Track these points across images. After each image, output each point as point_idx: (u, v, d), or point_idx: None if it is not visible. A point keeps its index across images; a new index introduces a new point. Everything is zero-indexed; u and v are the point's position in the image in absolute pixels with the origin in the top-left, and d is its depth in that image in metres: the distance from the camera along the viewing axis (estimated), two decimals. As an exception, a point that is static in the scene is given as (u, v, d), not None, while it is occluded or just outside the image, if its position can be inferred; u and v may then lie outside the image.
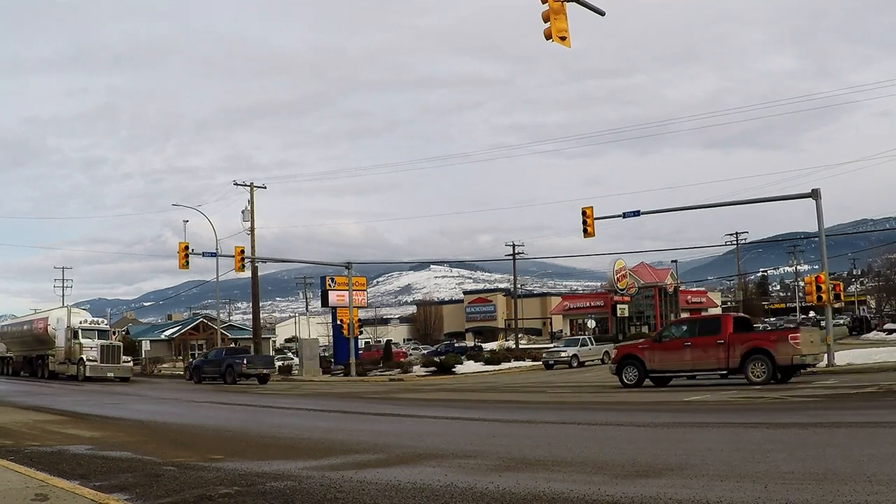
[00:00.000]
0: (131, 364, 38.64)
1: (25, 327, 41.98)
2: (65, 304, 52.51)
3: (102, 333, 37.77)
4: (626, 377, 20.82)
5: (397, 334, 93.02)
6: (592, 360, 40.15)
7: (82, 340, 35.53)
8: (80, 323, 37.13)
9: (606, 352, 40.48)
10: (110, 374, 34.94)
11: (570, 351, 39.63)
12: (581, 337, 45.69)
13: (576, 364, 38.26)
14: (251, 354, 38.46)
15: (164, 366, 57.70)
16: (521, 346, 60.55)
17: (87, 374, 34.22)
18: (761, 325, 70.51)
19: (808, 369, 20.13)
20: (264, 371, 34.57)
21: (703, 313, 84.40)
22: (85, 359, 34.80)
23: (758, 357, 18.64)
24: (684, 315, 79.27)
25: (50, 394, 22.83)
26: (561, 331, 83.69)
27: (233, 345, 51.71)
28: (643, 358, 20.60)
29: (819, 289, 25.54)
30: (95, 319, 40.31)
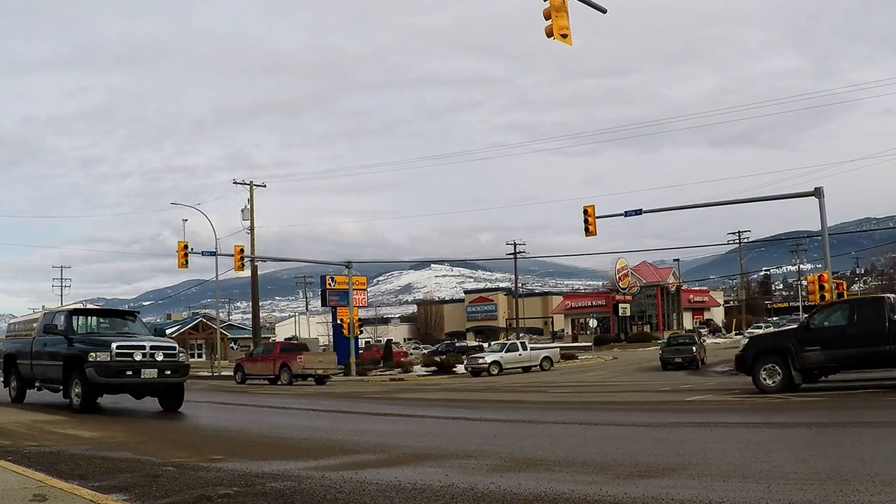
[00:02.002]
0: None
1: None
2: (76, 302, 51.97)
3: None
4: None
5: (398, 334, 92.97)
6: (517, 368, 36.86)
7: None
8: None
9: (547, 357, 38.61)
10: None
11: (490, 358, 36.56)
12: (514, 342, 42.46)
13: (496, 371, 35.30)
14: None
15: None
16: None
17: None
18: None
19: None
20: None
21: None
22: None
23: None
24: (686, 315, 79.37)
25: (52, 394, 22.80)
26: (562, 330, 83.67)
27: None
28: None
29: (822, 288, 25.48)
30: None
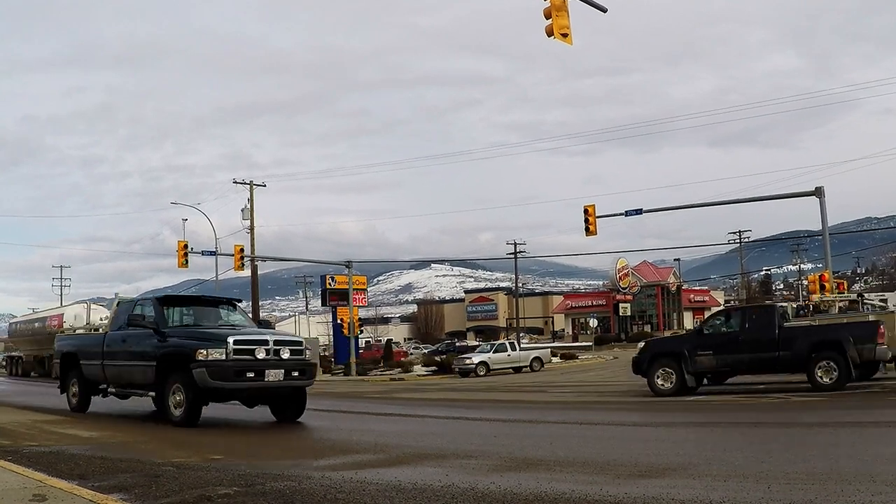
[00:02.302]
0: None
1: (37, 325, 39.83)
2: (82, 300, 51.00)
3: None
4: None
5: (398, 333, 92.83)
6: (506, 369, 36.55)
7: None
8: (102, 319, 35.25)
9: (537, 358, 38.15)
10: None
11: (478, 358, 36.34)
12: (503, 342, 41.83)
13: (483, 372, 35.02)
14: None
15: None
16: (522, 346, 60.46)
17: None
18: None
19: None
20: None
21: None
22: None
23: None
24: (687, 314, 79.31)
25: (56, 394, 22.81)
26: (563, 330, 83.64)
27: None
28: None
29: (823, 287, 25.46)
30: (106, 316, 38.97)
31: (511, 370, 36.71)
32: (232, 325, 12.60)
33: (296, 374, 11.60)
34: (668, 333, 69.47)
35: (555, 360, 43.78)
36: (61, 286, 70.88)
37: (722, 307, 23.26)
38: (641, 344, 18.28)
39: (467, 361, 36.09)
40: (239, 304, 14.04)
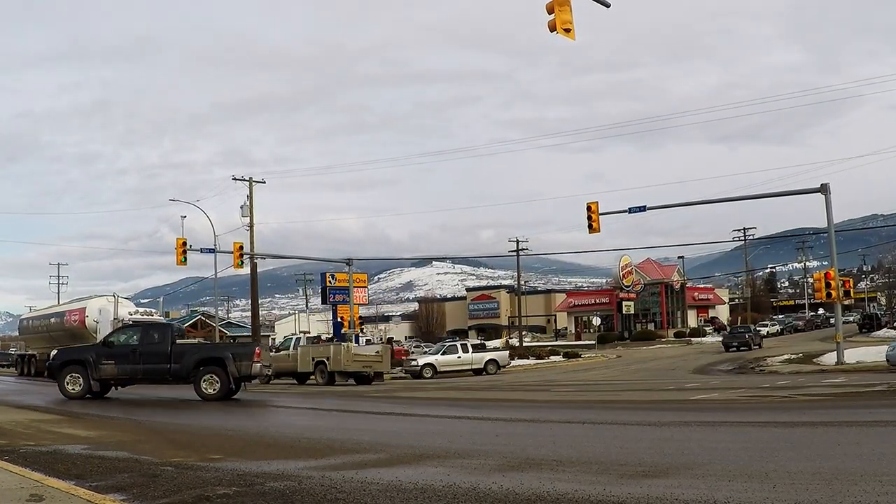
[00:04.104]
0: None
1: (53, 321, 36.95)
2: (102, 294, 48.16)
3: None
4: None
5: (399, 332, 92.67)
6: (457, 371, 35.30)
7: None
8: (130, 315, 31.66)
9: (492, 360, 36.52)
10: None
11: (423, 360, 35.44)
12: (453, 343, 39.97)
13: (429, 374, 33.99)
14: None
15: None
16: (524, 344, 60.42)
17: None
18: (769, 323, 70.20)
19: None
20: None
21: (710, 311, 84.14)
22: None
23: None
24: (691, 313, 79.12)
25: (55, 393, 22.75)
26: (566, 328, 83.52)
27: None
28: None
29: (828, 285, 25.35)
30: (147, 310, 35.76)
31: (471, 372, 35.51)
32: None
33: None
34: (671, 332, 69.37)
35: (528, 361, 42.68)
36: (58, 284, 70.49)
37: (131, 324, 25.30)
38: (55, 352, 19.69)
39: (413, 364, 35.37)
40: None
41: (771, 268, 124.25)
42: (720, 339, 53.47)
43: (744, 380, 23.43)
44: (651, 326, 74.01)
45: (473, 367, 35.80)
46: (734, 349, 45.25)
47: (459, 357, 35.84)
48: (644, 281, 75.23)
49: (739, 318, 75.08)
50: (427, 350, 44.28)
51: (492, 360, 36.44)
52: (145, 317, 32.52)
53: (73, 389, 17.76)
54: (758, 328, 59.29)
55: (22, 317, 44.28)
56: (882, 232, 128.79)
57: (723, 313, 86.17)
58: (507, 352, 41.82)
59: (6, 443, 9.19)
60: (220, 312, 53.62)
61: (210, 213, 46.58)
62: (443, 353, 36.23)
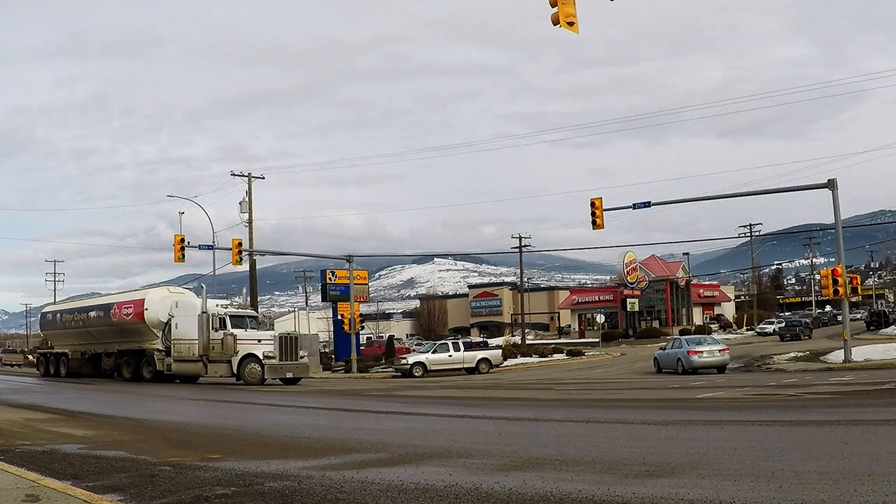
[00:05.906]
0: (306, 360, 29.45)
1: (94, 314, 32.77)
2: (155, 284, 44.17)
3: (253, 322, 29.48)
4: None
5: (400, 329, 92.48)
6: (449, 370, 34.72)
7: (234, 331, 27.49)
8: (218, 307, 28.99)
9: (485, 359, 35.66)
10: (289, 374, 27.60)
11: (413, 359, 34.91)
12: (444, 342, 39.35)
13: (420, 373, 33.47)
14: None
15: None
16: (527, 342, 60.24)
17: (266, 375, 26.84)
18: (775, 320, 69.95)
19: None
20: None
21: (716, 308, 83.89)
22: (261, 355, 26.87)
23: None
24: (696, 310, 78.89)
25: (54, 392, 22.72)
26: (569, 325, 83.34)
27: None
28: None
29: (835, 282, 25.15)
30: (237, 301, 33.05)
31: (463, 371, 35.03)
32: None
33: None
34: (677, 329, 69.14)
35: (530, 359, 41.95)
36: (55, 281, 70.39)
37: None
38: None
39: (403, 362, 35.07)
40: None
41: (777, 264, 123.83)
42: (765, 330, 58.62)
43: (750, 378, 23.27)
44: (656, 324, 73.73)
45: (465, 365, 35.35)
46: (788, 339, 49.34)
47: (451, 356, 35.35)
48: (649, 278, 74.96)
49: (745, 316, 74.74)
50: (415, 349, 44.06)
51: (484, 359, 36.02)
52: (240, 310, 29.72)
53: None
54: (762, 326, 60.45)
55: (45, 310, 40.25)
56: (890, 228, 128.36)
57: (728, 310, 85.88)
58: (500, 351, 40.88)
59: (2, 442, 9.16)
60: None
61: (208, 210, 46.31)
62: (434, 352, 35.74)
